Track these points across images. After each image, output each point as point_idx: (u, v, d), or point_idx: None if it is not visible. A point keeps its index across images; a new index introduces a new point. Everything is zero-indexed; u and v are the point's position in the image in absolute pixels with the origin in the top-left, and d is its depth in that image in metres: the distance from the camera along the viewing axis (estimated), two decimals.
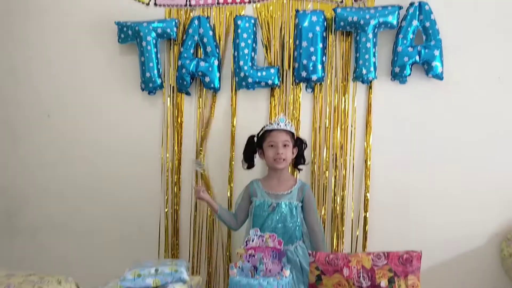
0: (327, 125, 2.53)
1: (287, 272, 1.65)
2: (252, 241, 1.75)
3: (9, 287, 1.14)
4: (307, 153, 2.39)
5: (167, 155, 2.65)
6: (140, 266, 1.75)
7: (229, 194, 2.61)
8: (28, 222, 2.84)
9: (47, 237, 2.81)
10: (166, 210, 2.65)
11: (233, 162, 2.59)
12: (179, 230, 2.67)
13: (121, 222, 2.73)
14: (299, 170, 2.39)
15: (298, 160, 2.33)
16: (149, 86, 2.59)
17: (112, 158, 2.73)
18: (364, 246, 2.49)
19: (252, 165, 2.34)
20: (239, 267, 1.70)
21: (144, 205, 2.68)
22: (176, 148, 2.65)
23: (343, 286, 1.75)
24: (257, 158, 2.33)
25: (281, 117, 2.25)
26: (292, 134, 2.25)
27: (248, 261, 1.72)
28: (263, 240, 1.75)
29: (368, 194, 2.50)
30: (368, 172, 2.50)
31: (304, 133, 2.52)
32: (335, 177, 2.52)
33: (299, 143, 2.30)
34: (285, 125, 2.23)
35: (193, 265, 2.63)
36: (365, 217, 2.50)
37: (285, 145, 2.20)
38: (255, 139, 2.30)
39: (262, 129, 2.27)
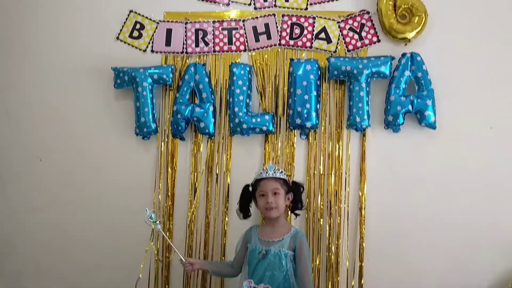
0: (321, 172, 2.53)
1: None
2: None
3: None
4: None
5: (160, 200, 2.62)
6: None
7: (224, 241, 2.56)
8: (14, 267, 2.74)
9: (32, 282, 2.72)
10: (156, 258, 2.58)
11: (227, 208, 2.57)
12: (169, 278, 2.60)
13: (109, 269, 2.65)
14: (296, 215, 2.33)
15: (295, 205, 2.28)
16: (144, 131, 2.58)
17: (105, 203, 2.68)
18: None
19: (247, 215, 2.29)
20: None
21: (135, 252, 2.59)
22: (169, 193, 2.61)
23: None
24: (253, 207, 2.29)
25: (270, 164, 2.24)
26: (284, 180, 2.21)
27: None
28: None
29: (363, 243, 2.47)
30: (363, 220, 2.48)
31: (298, 180, 2.47)
32: (330, 225, 2.49)
33: (294, 188, 2.26)
34: (274, 172, 2.18)
35: None
36: (360, 267, 2.46)
37: (275, 193, 2.17)
38: (250, 188, 2.26)
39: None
